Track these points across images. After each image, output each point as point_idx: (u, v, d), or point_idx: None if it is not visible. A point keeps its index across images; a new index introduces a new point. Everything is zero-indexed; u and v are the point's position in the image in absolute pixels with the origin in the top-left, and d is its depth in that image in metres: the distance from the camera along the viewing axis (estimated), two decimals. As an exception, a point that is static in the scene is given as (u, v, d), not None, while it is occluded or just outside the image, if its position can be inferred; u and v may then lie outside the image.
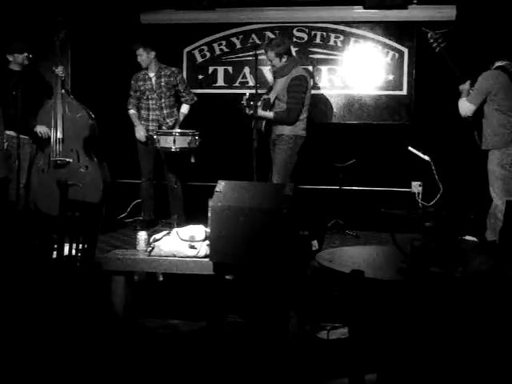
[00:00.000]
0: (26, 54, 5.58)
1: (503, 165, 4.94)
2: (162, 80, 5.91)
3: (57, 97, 5.61)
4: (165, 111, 5.95)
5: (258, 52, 5.49)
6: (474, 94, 5.00)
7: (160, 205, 6.14)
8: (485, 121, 5.03)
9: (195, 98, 6.09)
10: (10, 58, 5.62)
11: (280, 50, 5.48)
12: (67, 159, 5.60)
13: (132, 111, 6.04)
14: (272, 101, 5.58)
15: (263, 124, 5.58)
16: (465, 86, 5.09)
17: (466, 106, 5.04)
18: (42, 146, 5.68)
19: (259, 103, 5.50)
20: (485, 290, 2.62)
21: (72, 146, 5.61)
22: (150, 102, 5.96)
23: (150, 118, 5.98)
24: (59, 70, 5.60)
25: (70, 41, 6.12)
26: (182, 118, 6.03)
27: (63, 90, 5.67)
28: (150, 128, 5.97)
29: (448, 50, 5.18)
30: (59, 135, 5.59)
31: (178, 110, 6.05)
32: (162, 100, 5.94)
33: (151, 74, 5.94)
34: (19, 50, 5.59)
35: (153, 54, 5.87)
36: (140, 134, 5.97)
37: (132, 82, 6.03)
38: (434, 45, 5.20)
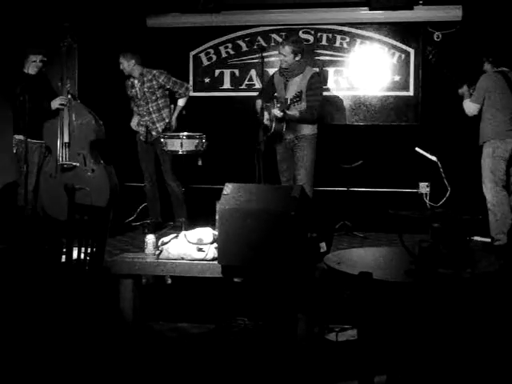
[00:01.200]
0: (44, 58, 5.65)
1: (494, 157, 5.19)
2: (145, 85, 5.88)
3: (64, 102, 5.65)
4: (153, 115, 5.93)
5: (264, 54, 5.50)
6: (476, 94, 5.27)
7: (167, 207, 6.15)
8: (482, 117, 5.29)
9: (190, 88, 6.03)
10: (34, 59, 5.62)
11: (297, 47, 5.44)
12: (74, 163, 5.61)
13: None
14: (289, 101, 5.52)
15: (284, 126, 5.54)
16: (463, 89, 5.40)
17: (470, 106, 5.31)
18: (51, 151, 5.70)
19: (278, 104, 5.44)
20: (494, 290, 2.62)
21: (78, 150, 5.63)
22: (139, 108, 5.97)
23: (141, 123, 5.98)
24: (68, 86, 5.67)
25: (76, 46, 6.13)
26: (178, 111, 6.01)
27: (70, 95, 5.70)
28: (142, 133, 5.98)
29: (442, 60, 5.61)
30: (66, 139, 5.60)
31: (172, 111, 6.03)
32: (149, 105, 5.92)
33: (135, 81, 5.94)
34: (44, 52, 5.65)
35: (133, 61, 5.84)
36: (132, 123, 6.06)
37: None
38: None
